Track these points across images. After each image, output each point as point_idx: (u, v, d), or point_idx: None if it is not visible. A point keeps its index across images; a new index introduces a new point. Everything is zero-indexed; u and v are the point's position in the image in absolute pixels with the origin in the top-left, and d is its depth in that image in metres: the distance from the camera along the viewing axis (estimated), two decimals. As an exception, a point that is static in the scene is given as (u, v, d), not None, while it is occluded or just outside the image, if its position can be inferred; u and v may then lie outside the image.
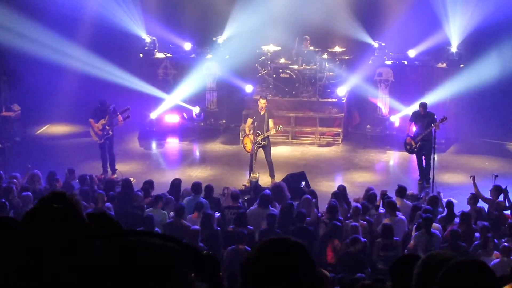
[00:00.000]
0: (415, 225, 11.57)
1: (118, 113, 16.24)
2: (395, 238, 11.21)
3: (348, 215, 12.34)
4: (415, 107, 17.29)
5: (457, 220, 11.91)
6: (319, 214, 12.41)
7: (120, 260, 1.24)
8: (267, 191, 12.88)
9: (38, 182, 13.62)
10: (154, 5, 21.29)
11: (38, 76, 19.83)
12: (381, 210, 12.57)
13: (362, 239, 11.00)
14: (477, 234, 11.40)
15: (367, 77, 19.65)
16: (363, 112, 20.47)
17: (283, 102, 19.75)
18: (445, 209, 12.51)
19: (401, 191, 13.15)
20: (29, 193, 12.59)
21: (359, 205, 12.33)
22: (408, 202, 13.06)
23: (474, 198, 12.85)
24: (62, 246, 2.46)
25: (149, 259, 1.22)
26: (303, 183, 14.42)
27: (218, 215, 12.32)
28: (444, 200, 13.05)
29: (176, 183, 13.70)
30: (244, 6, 19.84)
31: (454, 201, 12.85)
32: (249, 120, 16.07)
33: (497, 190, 13.07)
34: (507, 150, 19.09)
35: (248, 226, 11.56)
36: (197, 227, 11.20)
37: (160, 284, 1.21)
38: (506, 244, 10.62)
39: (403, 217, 12.03)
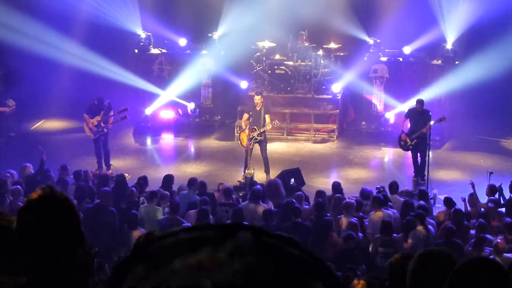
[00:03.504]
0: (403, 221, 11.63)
1: (113, 113, 16.18)
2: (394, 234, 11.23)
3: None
4: (410, 103, 17.30)
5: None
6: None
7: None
8: (258, 186, 12.89)
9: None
10: (150, 0, 21.25)
11: (33, 71, 19.74)
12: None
13: (359, 234, 11.02)
14: (472, 232, 11.41)
15: (362, 74, 19.62)
16: (358, 109, 20.46)
17: (278, 98, 19.72)
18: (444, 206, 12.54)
19: (393, 187, 13.19)
20: (18, 186, 12.58)
21: (353, 200, 12.34)
22: (401, 198, 13.06)
23: (475, 199, 12.86)
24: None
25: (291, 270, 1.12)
26: (292, 180, 14.35)
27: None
28: (441, 197, 13.06)
29: (168, 178, 13.68)
30: (239, 2, 19.80)
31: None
32: (245, 116, 16.05)
33: (492, 190, 13.05)
34: (502, 147, 19.09)
35: (244, 222, 11.56)
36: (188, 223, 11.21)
37: None
38: (499, 240, 10.59)
39: (390, 212, 12.00)
